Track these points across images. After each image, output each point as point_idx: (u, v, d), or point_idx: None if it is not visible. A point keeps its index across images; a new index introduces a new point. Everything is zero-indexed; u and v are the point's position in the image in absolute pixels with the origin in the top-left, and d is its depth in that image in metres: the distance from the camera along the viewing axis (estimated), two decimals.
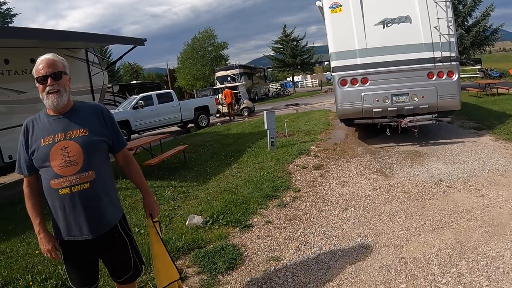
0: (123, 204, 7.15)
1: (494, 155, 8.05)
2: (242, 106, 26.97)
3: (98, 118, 2.87)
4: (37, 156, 2.66)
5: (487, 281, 3.59)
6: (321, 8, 10.82)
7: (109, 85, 25.56)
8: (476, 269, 3.82)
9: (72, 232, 2.71)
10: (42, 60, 2.68)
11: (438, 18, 9.25)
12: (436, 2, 9.27)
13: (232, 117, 24.98)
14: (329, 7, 9.98)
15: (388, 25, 9.62)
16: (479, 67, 33.68)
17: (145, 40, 13.58)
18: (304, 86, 71.00)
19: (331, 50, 10.07)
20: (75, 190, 2.63)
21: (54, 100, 2.65)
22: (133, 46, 13.75)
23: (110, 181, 2.91)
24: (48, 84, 2.63)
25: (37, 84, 2.69)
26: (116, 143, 2.98)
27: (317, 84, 61.90)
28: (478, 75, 31.49)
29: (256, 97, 42.74)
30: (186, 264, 4.54)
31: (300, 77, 71.82)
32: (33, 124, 2.76)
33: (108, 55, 46.72)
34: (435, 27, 9.27)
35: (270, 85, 62.54)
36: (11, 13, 26.77)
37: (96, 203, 2.73)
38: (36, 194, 2.83)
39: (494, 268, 3.79)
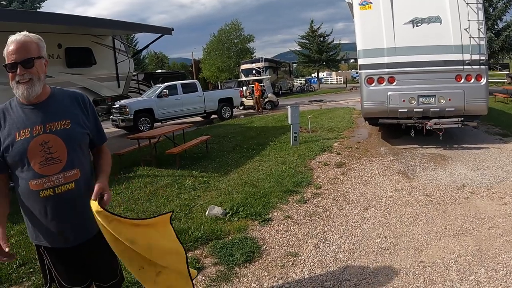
0: (143, 192, 7.27)
1: None
2: (266, 100, 26.94)
3: (80, 107, 2.51)
4: (12, 153, 2.27)
5: None
6: (350, 5, 10.72)
7: (134, 73, 25.81)
8: (495, 278, 3.76)
9: (56, 240, 2.40)
10: (12, 42, 2.26)
11: (469, 20, 9.08)
12: (467, 3, 9.10)
13: (260, 111, 25.02)
14: (359, 4, 9.88)
15: (418, 24, 9.49)
16: (507, 72, 33.10)
17: (172, 29, 13.66)
18: (329, 82, 70.58)
19: (359, 47, 9.98)
20: (59, 191, 2.30)
21: (25, 91, 2.26)
22: (160, 35, 13.86)
23: (92, 179, 2.53)
24: (17, 73, 2.24)
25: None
26: (97, 137, 2.62)
27: (342, 82, 61.58)
28: (506, 80, 30.96)
29: (280, 92, 42.63)
30: (204, 254, 4.57)
31: (325, 73, 71.47)
32: (4, 115, 2.35)
33: (134, 43, 47.06)
34: (465, 29, 9.10)
35: (295, 80, 62.39)
36: None
37: (82, 205, 2.37)
38: (2, 195, 2.40)
39: None
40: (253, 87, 26.11)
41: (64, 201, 2.34)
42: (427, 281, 3.80)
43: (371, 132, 12.48)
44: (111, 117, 18.88)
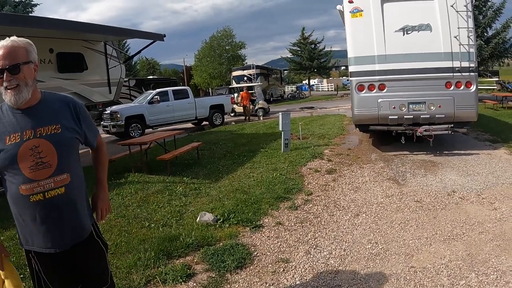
0: (134, 198, 7.24)
1: (509, 169, 7.96)
2: (257, 107, 26.86)
3: (70, 112, 2.48)
4: (2, 158, 2.26)
5: None
6: (341, 12, 10.78)
7: (126, 79, 25.76)
8: (485, 282, 3.78)
9: (46, 245, 2.39)
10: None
11: (458, 28, 9.17)
12: (457, 11, 9.19)
13: (247, 118, 24.80)
14: (350, 12, 9.93)
15: (408, 32, 9.56)
16: (497, 79, 33.45)
17: (165, 35, 13.69)
18: (320, 90, 70.84)
19: (349, 54, 10.03)
20: (49, 196, 2.29)
21: (12, 97, 2.24)
22: (152, 41, 13.88)
23: (83, 184, 2.58)
24: (4, 79, 2.21)
25: None
26: (90, 137, 2.65)
27: (333, 89, 61.85)
28: (495, 87, 31.26)
29: (272, 98, 42.67)
30: (195, 261, 4.55)
31: (316, 80, 71.70)
32: None
33: (126, 49, 46.94)
34: (455, 37, 9.20)
35: (286, 87, 62.56)
36: (32, 3, 27.07)
37: (72, 210, 2.43)
38: None
39: (504, 282, 3.75)
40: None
41: (54, 206, 2.32)
42: (418, 286, 3.81)
43: (361, 139, 12.52)
44: (102, 123, 18.77)
